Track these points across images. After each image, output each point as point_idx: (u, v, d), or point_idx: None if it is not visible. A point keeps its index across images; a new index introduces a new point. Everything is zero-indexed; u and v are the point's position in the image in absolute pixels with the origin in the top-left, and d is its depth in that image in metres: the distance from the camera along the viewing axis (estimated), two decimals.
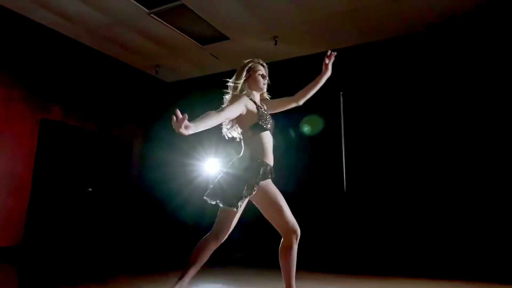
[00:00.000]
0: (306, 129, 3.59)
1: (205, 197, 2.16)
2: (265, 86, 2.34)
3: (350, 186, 5.17)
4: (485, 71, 4.62)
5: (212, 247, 2.14)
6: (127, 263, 5.10)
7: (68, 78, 5.52)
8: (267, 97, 2.40)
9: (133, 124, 6.50)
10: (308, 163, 5.37)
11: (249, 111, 2.15)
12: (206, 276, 4.09)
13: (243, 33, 5.09)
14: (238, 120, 2.21)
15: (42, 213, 5.02)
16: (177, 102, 6.70)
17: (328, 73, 2.42)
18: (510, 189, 4.28)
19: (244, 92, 2.24)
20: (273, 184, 2.15)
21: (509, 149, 4.37)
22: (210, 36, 5.21)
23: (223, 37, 5.22)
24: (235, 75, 2.31)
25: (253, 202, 2.16)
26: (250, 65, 2.30)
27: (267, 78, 2.34)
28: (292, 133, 5.30)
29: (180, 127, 1.73)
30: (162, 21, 4.82)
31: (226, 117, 2.01)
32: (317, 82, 2.39)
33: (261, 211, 2.16)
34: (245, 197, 2.03)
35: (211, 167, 6.13)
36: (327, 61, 2.42)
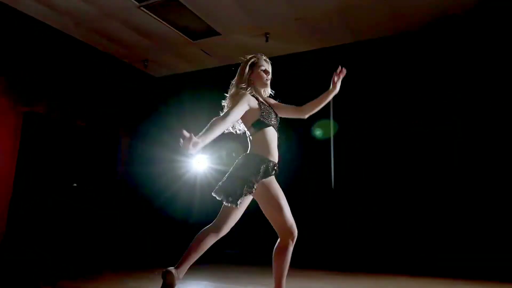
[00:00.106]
0: (318, 133, 3.62)
1: (213, 193, 2.13)
2: (268, 82, 2.30)
3: (338, 184, 5.19)
4: (477, 70, 4.66)
5: (212, 240, 2.13)
6: (113, 259, 5.03)
7: (53, 71, 5.38)
8: (271, 93, 2.37)
9: (121, 119, 6.39)
10: (297, 160, 5.36)
11: (251, 108, 2.13)
12: (193, 273, 4.05)
13: (235, 29, 5.05)
14: (242, 117, 2.18)
15: (25, 209, 4.90)
16: (166, 97, 6.69)
17: (336, 90, 2.33)
18: (498, 185, 4.34)
19: (249, 89, 2.21)
20: (276, 182, 2.12)
21: (498, 146, 4.42)
22: (201, 31, 5.16)
23: (214, 33, 5.16)
24: (238, 70, 2.28)
25: (255, 198, 2.13)
26: (253, 60, 2.27)
27: (270, 73, 2.31)
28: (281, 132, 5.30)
29: (188, 147, 1.74)
30: (152, 14, 4.75)
31: (232, 121, 2.03)
32: (324, 98, 2.32)
33: (261, 207, 2.13)
34: (244, 195, 2.01)
35: (199, 164, 6.09)
36: (335, 78, 2.35)
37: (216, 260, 4.98)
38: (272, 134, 2.18)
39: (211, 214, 6.86)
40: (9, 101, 4.84)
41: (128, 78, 6.45)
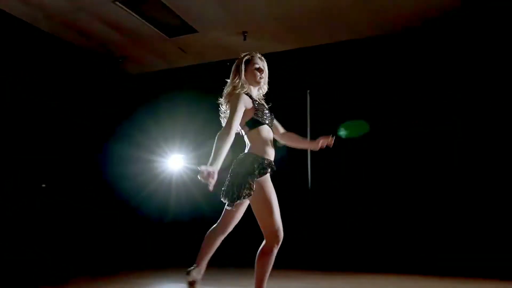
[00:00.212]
0: (342, 133, 3.65)
1: (221, 199, 2.17)
2: (262, 80, 2.29)
3: (315, 184, 5.22)
4: (474, 69, 4.73)
5: (218, 238, 2.21)
6: (88, 262, 4.89)
7: (21, 65, 5.15)
8: (266, 89, 2.36)
9: (94, 117, 6.21)
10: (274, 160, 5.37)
11: (246, 108, 2.12)
12: (172, 275, 4.00)
13: (212, 26, 4.99)
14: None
15: None
16: (141, 95, 6.55)
17: (315, 149, 2.38)
18: (493, 182, 4.44)
19: (244, 88, 2.19)
20: (270, 182, 2.10)
21: (497, 144, 4.51)
22: (178, 28, 5.06)
23: (191, 30, 5.08)
24: (232, 68, 2.27)
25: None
26: (247, 58, 2.26)
27: (265, 71, 2.30)
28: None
29: (209, 180, 1.84)
30: (127, 9, 4.61)
31: (236, 129, 2.04)
32: (302, 144, 2.45)
33: (251, 206, 2.10)
34: (243, 198, 2.01)
35: (174, 163, 6.04)
36: (321, 142, 2.35)
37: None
38: (266, 132, 2.17)
39: (187, 214, 6.81)
40: None
41: (102, 75, 6.26)
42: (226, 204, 2.11)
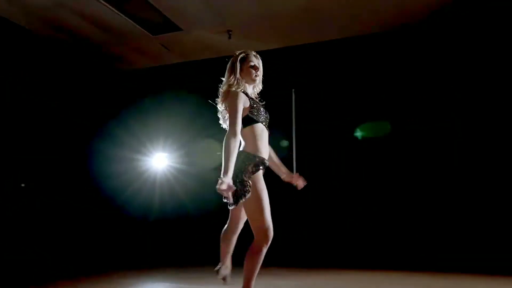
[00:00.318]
0: (359, 134, 3.77)
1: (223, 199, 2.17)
2: (258, 78, 2.28)
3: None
4: (444, 70, 4.84)
5: (232, 237, 2.28)
6: (71, 262, 4.79)
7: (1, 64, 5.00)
8: (261, 87, 2.36)
9: (76, 115, 6.09)
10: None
11: (244, 106, 2.12)
12: (157, 275, 3.96)
13: (197, 24, 4.94)
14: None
15: None
16: (124, 93, 6.45)
17: (287, 180, 2.41)
18: (486, 178, 4.53)
19: (240, 88, 2.17)
20: (262, 180, 2.10)
21: (492, 140, 4.60)
22: (162, 26, 5.00)
23: (175, 28, 5.03)
24: (227, 67, 2.26)
25: None
26: (242, 55, 2.25)
27: (261, 69, 2.29)
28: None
29: (229, 195, 1.92)
30: (109, 6, 4.53)
31: (240, 127, 2.06)
32: (276, 168, 2.40)
33: (243, 204, 2.09)
34: (239, 197, 2.01)
35: (158, 162, 6.03)
36: (293, 181, 2.39)
37: (180, 262, 4.90)
38: (260, 130, 2.16)
39: (170, 212, 6.75)
40: None
41: (85, 73, 6.14)
42: (228, 204, 2.11)
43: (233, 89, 2.15)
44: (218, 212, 5.58)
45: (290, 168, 5.52)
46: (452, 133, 4.79)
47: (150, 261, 5.09)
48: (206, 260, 5.16)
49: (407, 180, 4.89)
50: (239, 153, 2.11)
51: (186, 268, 4.44)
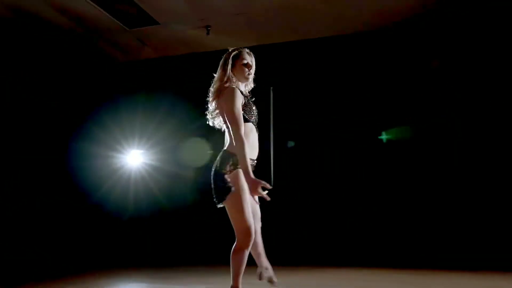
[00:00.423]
0: (384, 137, 3.88)
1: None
2: (250, 76, 2.24)
3: (278, 181, 5.24)
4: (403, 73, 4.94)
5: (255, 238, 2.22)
6: (45, 263, 4.61)
7: None
8: (253, 86, 2.32)
9: (48, 112, 5.88)
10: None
11: None
12: (132, 275, 3.88)
13: (175, 19, 4.84)
14: (222, 108, 2.11)
15: None
16: (98, 88, 6.26)
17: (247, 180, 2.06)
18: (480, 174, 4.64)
19: (231, 83, 2.13)
20: (244, 180, 2.04)
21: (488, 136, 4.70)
22: (138, 19, 4.86)
23: (152, 21, 4.90)
24: (220, 64, 2.21)
25: None
26: (235, 53, 2.21)
27: (254, 67, 2.25)
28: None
29: (262, 191, 1.93)
30: None
31: (242, 122, 2.03)
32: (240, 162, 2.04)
33: (225, 202, 2.07)
34: (225, 195, 2.01)
35: (133, 159, 5.98)
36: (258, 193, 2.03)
37: (156, 261, 4.82)
38: (249, 129, 2.12)
39: (145, 210, 6.65)
40: None
41: (55, 67, 5.91)
42: (215, 203, 2.10)
43: (227, 85, 2.11)
44: (192, 209, 5.59)
45: (268, 166, 5.55)
46: (452, 132, 4.90)
47: (126, 260, 5.01)
48: (182, 259, 5.12)
49: (403, 179, 4.99)
50: (223, 152, 2.11)
51: (162, 268, 4.38)
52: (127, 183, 6.00)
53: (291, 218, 5.15)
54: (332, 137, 5.22)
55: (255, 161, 2.16)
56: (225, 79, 2.14)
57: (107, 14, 4.72)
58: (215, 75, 2.22)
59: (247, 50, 2.27)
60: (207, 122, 2.27)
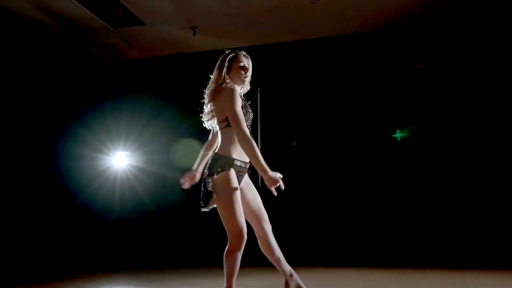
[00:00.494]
0: (398, 135, 3.92)
1: None
2: (247, 79, 2.23)
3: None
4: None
5: (266, 242, 2.17)
6: (29, 267, 4.51)
7: None
8: (249, 88, 2.31)
9: (37, 112, 5.78)
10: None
11: None
12: (119, 279, 3.83)
13: (161, 19, 4.79)
14: (219, 109, 2.09)
15: None
16: (82, 88, 6.16)
17: (261, 172, 2.01)
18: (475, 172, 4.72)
19: (227, 84, 2.12)
20: (235, 181, 2.04)
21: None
22: (123, 19, 4.80)
23: (138, 22, 4.85)
24: (216, 66, 2.20)
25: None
26: (231, 55, 2.20)
27: (250, 70, 2.24)
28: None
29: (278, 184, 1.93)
30: None
31: (244, 122, 2.03)
32: (254, 161, 2.00)
33: (216, 204, 2.06)
34: (210, 198, 2.01)
35: (119, 161, 5.96)
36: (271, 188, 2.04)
37: (143, 263, 4.77)
38: None
39: (131, 211, 6.59)
40: None
41: (39, 67, 5.80)
42: (201, 207, 2.09)
43: (223, 87, 2.11)
44: (179, 211, 5.56)
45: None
46: (452, 132, 4.97)
47: (112, 263, 4.96)
48: (169, 261, 5.08)
49: (403, 179, 5.05)
50: (214, 155, 2.10)
51: (150, 270, 4.34)
52: (113, 184, 5.96)
53: (291, 218, 5.16)
54: (332, 137, 5.25)
55: (248, 164, 2.14)
56: (221, 81, 2.14)
57: (92, 14, 4.65)
58: (211, 76, 2.21)
59: (244, 53, 2.26)
60: (204, 125, 2.26)
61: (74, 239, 5.71)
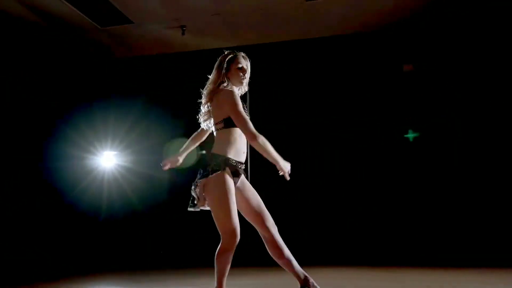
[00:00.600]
0: (411, 135, 3.96)
1: None
2: (245, 80, 2.22)
3: (254, 180, 5.26)
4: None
5: (273, 242, 2.14)
6: (16, 269, 4.42)
7: None
8: (247, 89, 2.30)
9: (23, 112, 5.67)
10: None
11: None
12: (107, 279, 3.79)
13: (149, 18, 4.76)
14: (216, 110, 2.09)
15: None
16: (70, 88, 6.06)
17: (275, 161, 2.06)
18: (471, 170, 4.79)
19: (225, 85, 2.11)
20: (230, 181, 2.03)
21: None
22: (111, 17, 4.75)
23: (126, 20, 4.80)
24: (215, 66, 2.19)
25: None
26: (230, 56, 2.19)
27: (249, 71, 2.24)
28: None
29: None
30: None
31: (249, 121, 2.05)
32: (269, 155, 2.04)
33: (209, 203, 2.05)
34: (199, 197, 2.02)
35: (107, 161, 5.92)
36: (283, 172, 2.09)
37: (131, 264, 4.72)
38: (239, 135, 2.11)
39: (119, 211, 6.53)
40: None
41: (26, 66, 5.70)
42: (189, 206, 2.09)
43: (220, 88, 2.11)
44: (166, 211, 5.52)
45: (246, 165, 5.55)
46: (452, 132, 5.03)
47: (99, 263, 4.91)
48: (157, 262, 5.04)
49: (403, 178, 5.11)
50: (210, 154, 2.10)
51: (138, 271, 4.30)
52: (101, 184, 5.93)
53: (291, 217, 5.17)
54: (331, 137, 5.29)
55: (243, 165, 2.14)
56: (219, 82, 2.14)
57: (78, 12, 4.58)
58: (209, 76, 2.21)
59: (243, 54, 2.25)
60: (200, 125, 2.26)
61: (62, 240, 5.63)
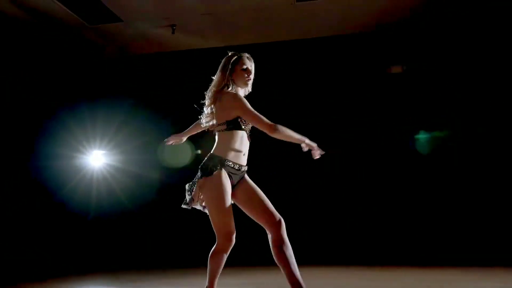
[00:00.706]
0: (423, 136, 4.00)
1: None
2: (250, 82, 2.22)
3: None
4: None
5: (272, 239, 2.09)
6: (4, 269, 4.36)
7: None
8: (250, 90, 2.30)
9: (10, 110, 5.57)
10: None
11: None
12: (97, 280, 3.77)
13: (139, 16, 4.72)
14: (220, 111, 2.09)
15: None
16: (57, 87, 5.98)
17: (305, 141, 2.18)
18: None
19: (230, 88, 2.12)
20: (227, 183, 2.04)
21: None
22: (100, 15, 4.70)
23: (115, 18, 4.76)
24: (220, 68, 2.19)
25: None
26: (235, 57, 2.18)
27: (253, 72, 2.23)
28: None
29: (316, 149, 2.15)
30: None
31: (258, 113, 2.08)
32: (296, 138, 2.14)
33: (205, 204, 2.06)
34: (195, 197, 2.03)
35: (96, 160, 5.89)
36: (313, 151, 2.24)
37: (121, 263, 4.69)
38: (240, 138, 2.12)
39: (108, 210, 6.50)
40: None
41: (11, 64, 5.60)
42: (183, 203, 2.11)
43: (225, 90, 2.12)
44: (156, 210, 5.49)
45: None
46: (452, 132, 5.10)
47: (89, 263, 4.89)
48: (147, 262, 5.02)
49: (403, 178, 5.16)
50: (209, 155, 2.11)
51: (128, 271, 4.28)
52: (90, 183, 5.89)
53: (291, 218, 5.18)
54: (332, 137, 5.29)
55: (244, 166, 2.15)
56: (224, 83, 2.14)
57: (65, 8, 4.51)
58: (213, 78, 2.20)
59: (247, 55, 2.24)
60: (202, 125, 2.28)
61: (50, 239, 5.54)
